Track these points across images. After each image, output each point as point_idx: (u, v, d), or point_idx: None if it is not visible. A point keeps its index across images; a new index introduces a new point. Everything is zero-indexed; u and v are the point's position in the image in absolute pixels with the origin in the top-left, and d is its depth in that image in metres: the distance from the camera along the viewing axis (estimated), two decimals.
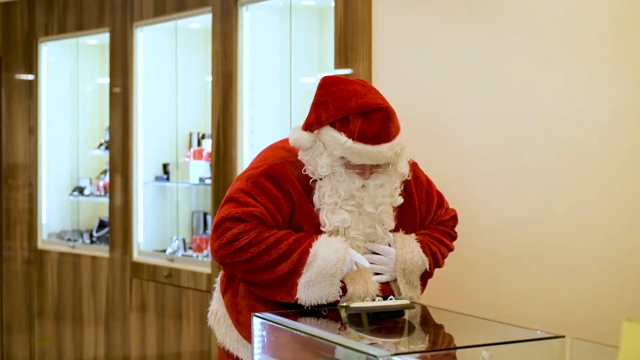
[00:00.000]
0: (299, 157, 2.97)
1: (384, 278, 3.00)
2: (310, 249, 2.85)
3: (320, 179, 2.93)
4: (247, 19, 5.25)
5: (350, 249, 2.89)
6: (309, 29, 5.28)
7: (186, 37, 6.06)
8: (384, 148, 2.85)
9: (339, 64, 4.53)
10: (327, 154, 2.90)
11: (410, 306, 2.87)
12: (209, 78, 5.56)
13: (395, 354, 2.42)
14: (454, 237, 3.25)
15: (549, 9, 3.60)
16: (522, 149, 3.69)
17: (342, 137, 2.85)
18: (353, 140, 2.84)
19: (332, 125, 2.89)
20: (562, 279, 3.55)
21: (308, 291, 2.85)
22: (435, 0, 4.07)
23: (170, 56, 6.05)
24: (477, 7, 3.87)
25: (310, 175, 2.94)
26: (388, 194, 2.97)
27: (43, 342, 6.89)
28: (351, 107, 2.86)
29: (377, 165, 2.92)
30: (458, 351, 2.65)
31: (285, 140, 3.08)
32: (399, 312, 2.86)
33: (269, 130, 5.28)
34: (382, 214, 2.97)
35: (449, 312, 3.06)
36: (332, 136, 2.87)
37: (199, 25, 5.93)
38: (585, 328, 3.38)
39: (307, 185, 2.96)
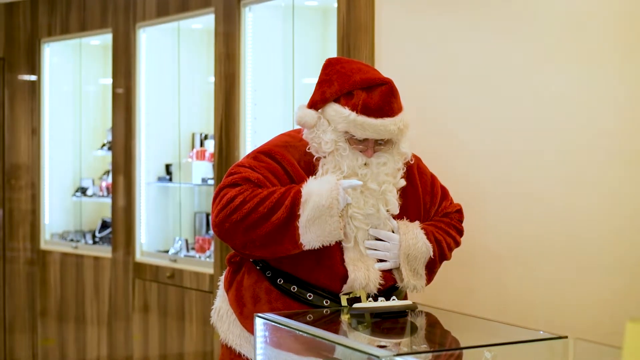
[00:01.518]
0: (303, 136, 3.03)
1: (387, 265, 3.00)
2: (302, 190, 2.88)
3: (324, 157, 2.97)
4: (250, 19, 5.25)
5: (341, 180, 2.91)
6: (311, 30, 5.28)
7: (189, 38, 6.06)
8: (387, 122, 2.90)
9: None
10: (331, 129, 2.94)
11: (412, 307, 2.87)
12: (212, 79, 5.56)
13: (398, 355, 2.42)
14: (460, 230, 3.25)
15: (552, 8, 3.59)
16: (525, 148, 3.68)
17: (345, 110, 2.90)
18: (357, 113, 2.89)
19: (337, 101, 2.95)
20: (565, 279, 3.54)
21: (310, 232, 2.85)
22: (438, 0, 4.07)
23: (173, 57, 6.05)
24: (480, 7, 3.87)
25: (314, 153, 2.99)
26: (391, 173, 3.00)
27: (46, 342, 6.89)
28: (355, 82, 2.93)
29: (380, 144, 2.96)
30: (461, 352, 2.65)
31: (293, 131, 3.15)
32: (401, 312, 2.86)
33: (271, 131, 5.27)
34: (385, 193, 2.98)
35: (452, 313, 3.06)
36: (336, 111, 2.93)
37: (201, 25, 5.93)
38: (588, 329, 3.38)
39: (309, 169, 2.99)
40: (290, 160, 2.99)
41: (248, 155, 3.06)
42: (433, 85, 4.08)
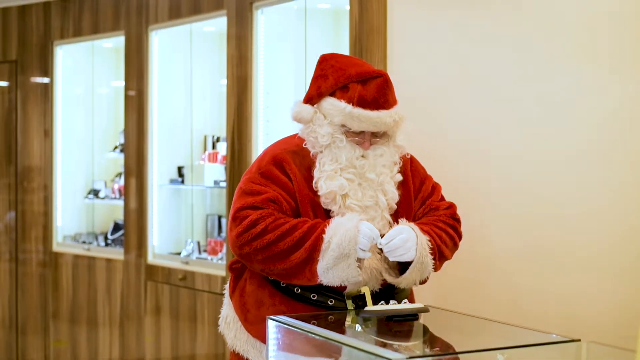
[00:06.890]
0: (299, 133, 3.09)
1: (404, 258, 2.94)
2: (324, 235, 2.87)
3: (321, 152, 3.01)
4: (262, 22, 5.25)
5: (363, 222, 2.87)
6: (324, 32, 5.28)
7: (201, 40, 6.06)
8: (383, 114, 2.95)
9: None
10: (327, 122, 3.00)
11: (424, 310, 2.87)
12: (224, 81, 5.57)
13: (410, 358, 2.42)
14: (451, 225, 3.15)
15: (563, 11, 3.59)
16: (538, 148, 3.67)
17: (342, 103, 2.97)
18: (353, 105, 2.95)
19: (332, 95, 3.01)
20: (577, 282, 3.53)
21: (328, 275, 2.86)
22: (449, 3, 4.06)
23: (185, 59, 6.06)
24: (492, 9, 3.86)
25: (311, 149, 3.03)
26: (388, 165, 3.03)
27: (58, 344, 6.91)
28: (350, 75, 2.99)
29: (376, 136, 3.00)
30: (473, 355, 2.64)
31: (288, 137, 3.21)
32: (413, 315, 2.86)
33: (283, 133, 5.26)
34: (383, 184, 3.00)
35: (464, 316, 3.05)
36: (332, 104, 3.00)
37: (214, 28, 5.94)
38: (601, 332, 3.37)
39: (307, 173, 3.01)
40: (293, 169, 3.01)
41: (257, 169, 3.04)
42: (445, 88, 4.07)
